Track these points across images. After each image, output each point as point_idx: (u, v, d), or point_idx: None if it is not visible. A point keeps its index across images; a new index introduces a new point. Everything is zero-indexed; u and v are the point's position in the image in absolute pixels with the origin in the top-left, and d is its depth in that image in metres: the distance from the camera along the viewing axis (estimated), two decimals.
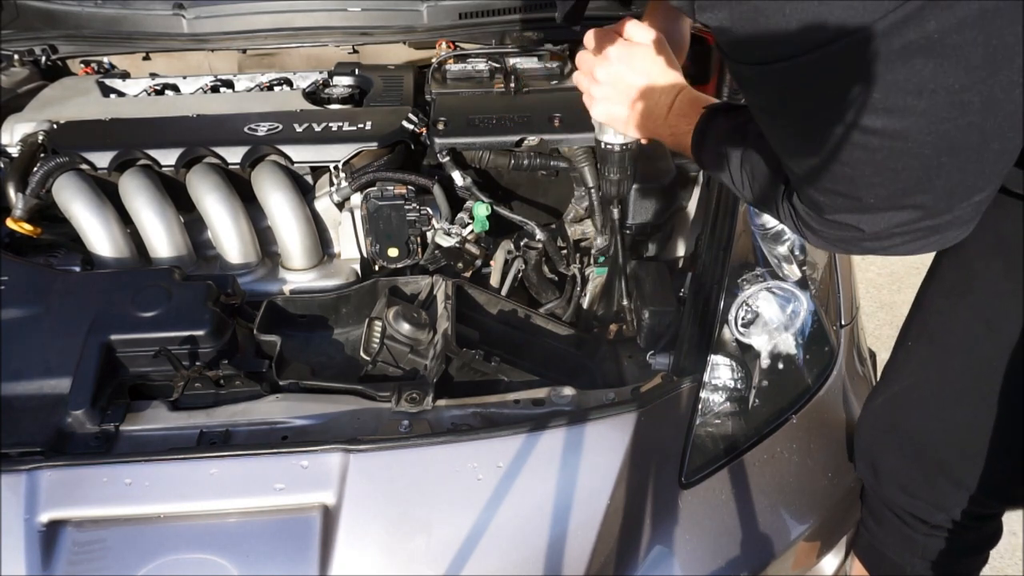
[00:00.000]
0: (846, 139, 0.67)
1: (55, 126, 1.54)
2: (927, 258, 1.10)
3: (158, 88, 1.77)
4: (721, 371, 1.20)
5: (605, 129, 1.14)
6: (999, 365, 0.98)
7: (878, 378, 1.22)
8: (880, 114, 0.64)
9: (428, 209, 1.48)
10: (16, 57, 1.81)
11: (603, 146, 1.17)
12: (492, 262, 1.54)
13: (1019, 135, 0.66)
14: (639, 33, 1.05)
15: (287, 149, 1.49)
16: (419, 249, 1.52)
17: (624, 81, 1.04)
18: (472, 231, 1.46)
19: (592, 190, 1.48)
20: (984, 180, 0.70)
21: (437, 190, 1.47)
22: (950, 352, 1.06)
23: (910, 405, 1.13)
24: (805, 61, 0.64)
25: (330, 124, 1.53)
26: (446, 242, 1.48)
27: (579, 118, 1.38)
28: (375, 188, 1.46)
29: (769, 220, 1.28)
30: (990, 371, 1.00)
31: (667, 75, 1.04)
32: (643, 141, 1.13)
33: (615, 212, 1.33)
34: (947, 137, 0.65)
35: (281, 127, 1.52)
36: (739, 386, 1.20)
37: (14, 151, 1.52)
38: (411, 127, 1.53)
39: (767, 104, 0.75)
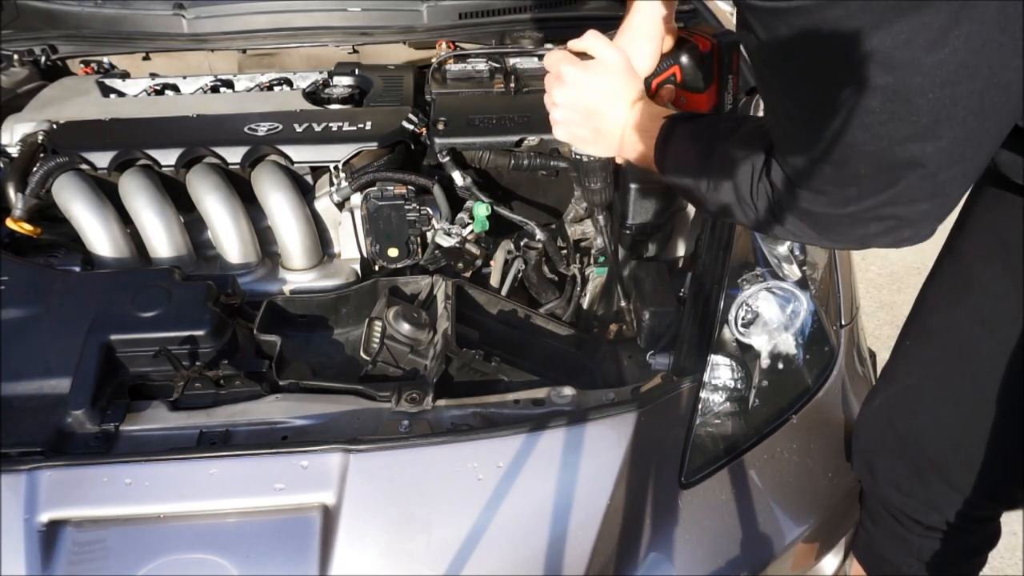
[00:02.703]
0: (847, 98, 0.65)
1: (55, 126, 1.54)
2: (928, 258, 1.11)
3: (158, 88, 1.76)
4: (721, 371, 1.20)
5: None
6: (996, 366, 0.98)
7: (877, 378, 1.22)
8: (886, 70, 0.62)
9: (428, 209, 1.48)
10: (16, 57, 1.81)
11: (579, 158, 1.17)
12: (492, 262, 1.54)
13: (1011, 117, 0.65)
14: (598, 48, 1.03)
15: (287, 149, 1.49)
16: (419, 249, 1.52)
17: (581, 103, 1.03)
18: (472, 231, 1.46)
19: None
20: (979, 158, 0.69)
21: (437, 190, 1.47)
22: (948, 353, 1.06)
23: (907, 405, 1.13)
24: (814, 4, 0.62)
25: (330, 124, 1.53)
26: (446, 242, 1.48)
27: None
28: (375, 188, 1.46)
29: None
30: (987, 372, 1.00)
31: (624, 93, 1.02)
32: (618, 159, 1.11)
33: (601, 220, 1.33)
34: (947, 105, 0.63)
35: (281, 127, 1.52)
36: (739, 386, 1.20)
37: (14, 151, 1.51)
38: (411, 127, 1.53)
39: (772, 56, 0.72)
